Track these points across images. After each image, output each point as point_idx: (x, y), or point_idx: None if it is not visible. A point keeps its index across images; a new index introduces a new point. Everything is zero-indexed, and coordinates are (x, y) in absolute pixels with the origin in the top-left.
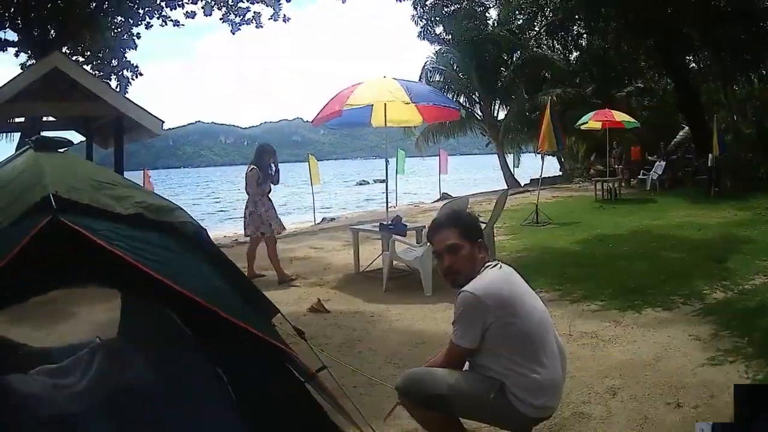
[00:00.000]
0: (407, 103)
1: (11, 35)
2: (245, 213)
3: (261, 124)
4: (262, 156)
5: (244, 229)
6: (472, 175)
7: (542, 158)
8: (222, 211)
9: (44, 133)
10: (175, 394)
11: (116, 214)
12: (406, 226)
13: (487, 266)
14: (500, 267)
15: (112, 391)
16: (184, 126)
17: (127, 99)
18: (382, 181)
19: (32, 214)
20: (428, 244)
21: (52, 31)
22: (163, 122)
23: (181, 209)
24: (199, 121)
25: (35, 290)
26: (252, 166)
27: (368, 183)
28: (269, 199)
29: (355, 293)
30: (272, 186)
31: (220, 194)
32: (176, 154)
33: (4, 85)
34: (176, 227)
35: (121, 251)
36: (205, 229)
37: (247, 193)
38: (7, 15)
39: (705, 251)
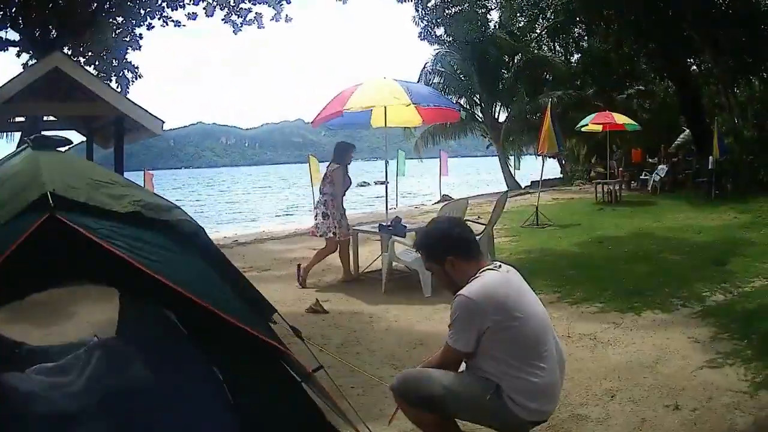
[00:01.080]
0: (407, 105)
1: (12, 35)
2: (317, 212)
3: (262, 126)
4: (346, 154)
5: (317, 228)
6: (473, 177)
7: (543, 160)
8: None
9: (44, 133)
10: (172, 394)
11: (113, 212)
12: (405, 227)
13: (486, 269)
14: (499, 268)
15: (109, 390)
16: (185, 126)
17: (128, 99)
18: (382, 183)
19: (30, 212)
20: None
21: (54, 30)
22: (164, 122)
23: (179, 208)
24: (200, 122)
25: (32, 288)
26: (337, 165)
27: (369, 184)
28: (341, 201)
29: (354, 294)
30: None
31: (231, 194)
32: (177, 154)
33: (5, 84)
34: (173, 225)
35: (119, 249)
36: (203, 228)
37: (323, 192)
38: (8, 14)
39: (705, 254)
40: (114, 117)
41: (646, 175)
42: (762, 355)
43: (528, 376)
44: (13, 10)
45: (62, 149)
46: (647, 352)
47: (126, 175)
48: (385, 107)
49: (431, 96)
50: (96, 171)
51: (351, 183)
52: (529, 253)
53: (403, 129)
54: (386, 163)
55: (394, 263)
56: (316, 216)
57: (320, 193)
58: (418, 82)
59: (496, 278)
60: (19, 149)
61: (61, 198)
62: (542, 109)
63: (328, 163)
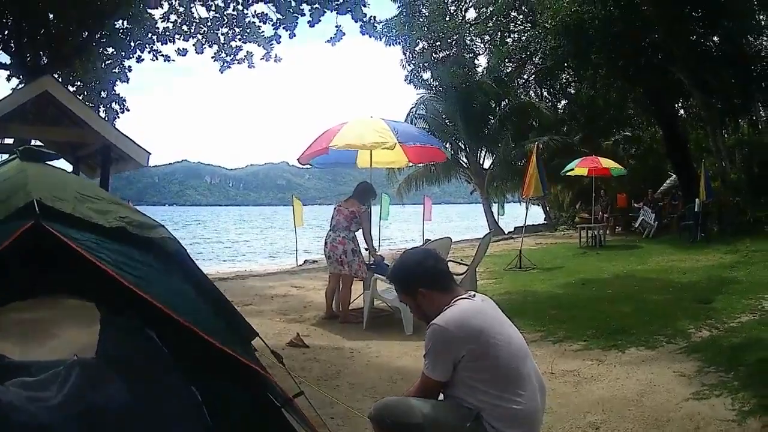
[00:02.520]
0: (393, 147)
1: (4, 57)
2: (344, 249)
3: (247, 167)
4: (370, 196)
5: (341, 266)
6: (456, 223)
7: (527, 204)
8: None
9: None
10: (151, 415)
11: (99, 225)
12: (387, 265)
13: (460, 298)
14: (473, 297)
15: (86, 408)
16: (170, 164)
17: (115, 128)
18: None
19: (15, 218)
20: None
21: (44, 57)
22: (150, 154)
23: (162, 226)
24: (185, 160)
25: (13, 296)
26: (365, 207)
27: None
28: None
29: (335, 330)
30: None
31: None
32: (161, 191)
33: None
34: (158, 244)
35: (103, 263)
36: (185, 248)
37: (349, 229)
38: (1, 37)
39: (690, 293)
40: (101, 145)
41: (639, 215)
42: (748, 385)
43: (508, 404)
44: (5, 33)
45: (51, 163)
46: (632, 386)
47: None
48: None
49: (418, 135)
50: (83, 185)
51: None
52: (511, 294)
53: (387, 172)
54: (370, 205)
55: (376, 301)
56: (336, 250)
57: (343, 229)
58: None
59: (470, 307)
60: (7, 159)
61: (47, 207)
62: (528, 154)
63: (344, 200)
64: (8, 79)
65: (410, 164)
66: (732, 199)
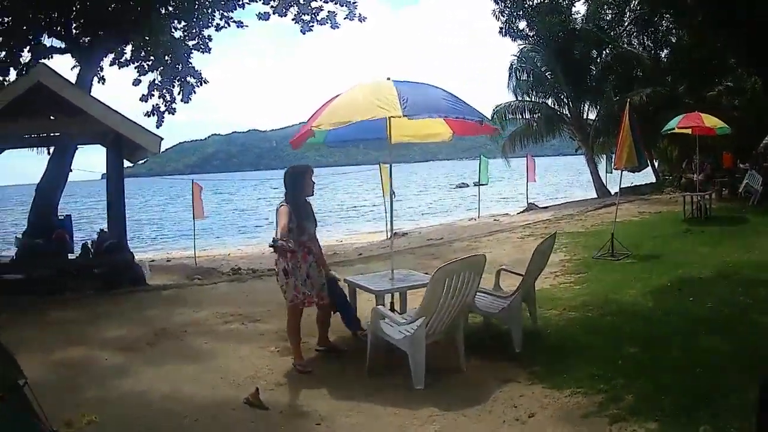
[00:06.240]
0: (397, 117)
1: (57, 42)
2: (277, 270)
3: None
4: (295, 183)
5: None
6: (565, 177)
7: (621, 174)
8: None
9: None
10: None
11: None
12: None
13: None
14: None
15: None
16: (289, 126)
17: (121, 114)
18: (482, 185)
19: None
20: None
21: (99, 34)
22: (162, 139)
23: None
24: (303, 122)
25: None
26: (282, 203)
27: (467, 185)
28: (309, 249)
29: (324, 373)
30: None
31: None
32: (280, 155)
33: None
34: None
35: None
36: None
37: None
38: (49, 20)
39: None
40: (112, 133)
41: (744, 179)
42: None
43: None
44: (52, 16)
45: None
46: None
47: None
48: (389, 121)
49: (441, 105)
50: None
51: (315, 226)
52: (587, 308)
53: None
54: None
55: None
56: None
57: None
58: (508, 79)
59: None
60: None
61: None
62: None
63: None
64: (72, 68)
65: (455, 136)
66: None
